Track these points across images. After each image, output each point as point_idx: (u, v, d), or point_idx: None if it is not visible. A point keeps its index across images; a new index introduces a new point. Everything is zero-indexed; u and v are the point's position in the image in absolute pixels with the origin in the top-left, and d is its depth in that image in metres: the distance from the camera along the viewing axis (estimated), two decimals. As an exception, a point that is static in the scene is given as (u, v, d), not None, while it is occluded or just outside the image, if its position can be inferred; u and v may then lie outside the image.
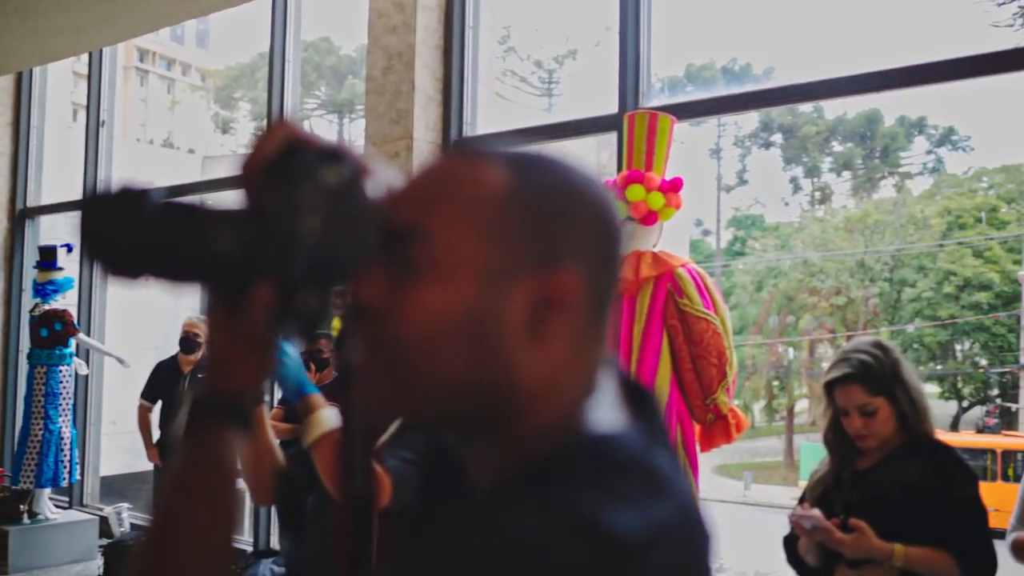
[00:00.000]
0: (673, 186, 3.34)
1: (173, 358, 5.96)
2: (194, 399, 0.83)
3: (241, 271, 0.77)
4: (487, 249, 0.70)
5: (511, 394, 0.72)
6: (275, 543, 5.62)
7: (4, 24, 5.63)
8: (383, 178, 0.81)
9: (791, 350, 28.22)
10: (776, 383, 27.77)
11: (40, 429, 6.10)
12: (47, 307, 6.13)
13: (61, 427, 6.13)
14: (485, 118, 4.88)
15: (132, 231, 0.74)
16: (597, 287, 0.73)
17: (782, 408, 27.93)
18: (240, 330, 0.80)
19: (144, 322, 14.11)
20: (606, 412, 0.74)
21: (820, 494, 2.46)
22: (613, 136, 4.15)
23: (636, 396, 0.80)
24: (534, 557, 0.60)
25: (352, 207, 0.74)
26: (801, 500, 2.50)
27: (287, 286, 0.77)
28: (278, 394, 3.47)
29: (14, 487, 6.23)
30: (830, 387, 2.43)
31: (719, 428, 3.22)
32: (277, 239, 0.74)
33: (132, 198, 0.75)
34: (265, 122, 5.65)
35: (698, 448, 3.28)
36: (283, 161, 0.77)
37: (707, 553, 0.72)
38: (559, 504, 0.63)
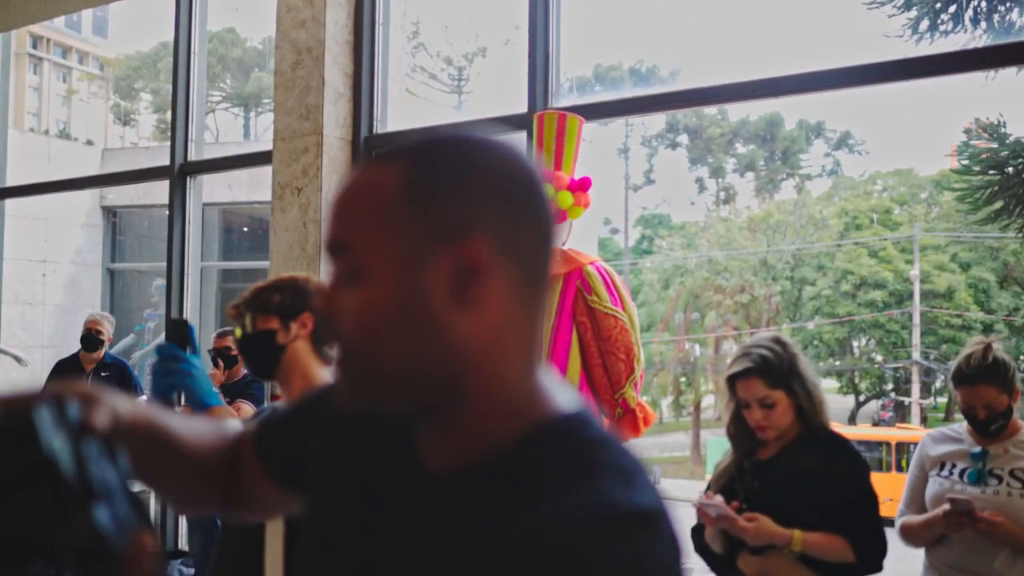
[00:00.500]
0: (582, 185, 3.39)
1: (75, 356, 5.77)
2: None
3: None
4: (396, 242, 0.77)
5: (456, 365, 0.78)
6: (184, 545, 5.50)
7: None
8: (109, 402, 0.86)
9: (697, 347, 28.81)
10: (683, 379, 28.32)
11: None
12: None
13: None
14: (395, 115, 4.86)
15: None
16: (515, 243, 0.78)
17: (689, 404, 28.48)
18: None
19: (41, 320, 13.60)
20: (553, 384, 0.82)
21: (724, 484, 2.55)
22: (523, 135, 4.18)
23: None
24: (602, 570, 0.66)
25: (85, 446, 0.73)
26: (706, 490, 2.58)
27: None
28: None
29: None
30: (732, 381, 2.51)
31: (627, 422, 3.29)
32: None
33: None
34: (170, 114, 5.49)
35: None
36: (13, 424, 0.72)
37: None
38: (585, 502, 0.70)
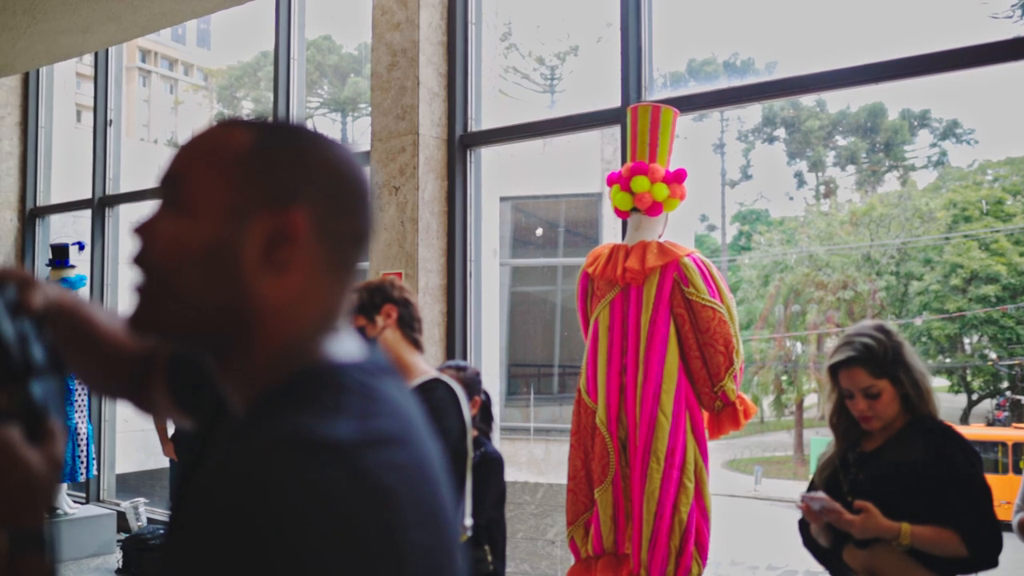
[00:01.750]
0: (677, 177, 3.37)
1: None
2: None
3: None
4: (227, 190, 0.85)
5: (248, 318, 0.86)
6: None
7: (13, 24, 5.67)
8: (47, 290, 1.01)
9: (799, 344, 28.18)
10: (784, 377, 27.73)
11: (84, 426, 6.18)
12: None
13: (77, 423, 6.18)
14: (489, 113, 4.91)
15: None
16: (331, 227, 0.87)
17: (791, 403, 27.88)
18: None
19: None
20: (344, 344, 0.89)
21: (828, 476, 2.50)
22: (617, 130, 4.17)
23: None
24: (263, 491, 0.70)
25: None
26: (811, 486, 2.53)
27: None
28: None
29: (69, 482, 6.30)
30: (834, 371, 2.46)
31: (727, 415, 3.25)
32: None
33: None
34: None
35: (707, 435, 3.31)
36: None
37: (435, 469, 0.82)
38: (278, 430, 0.75)
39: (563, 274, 14.60)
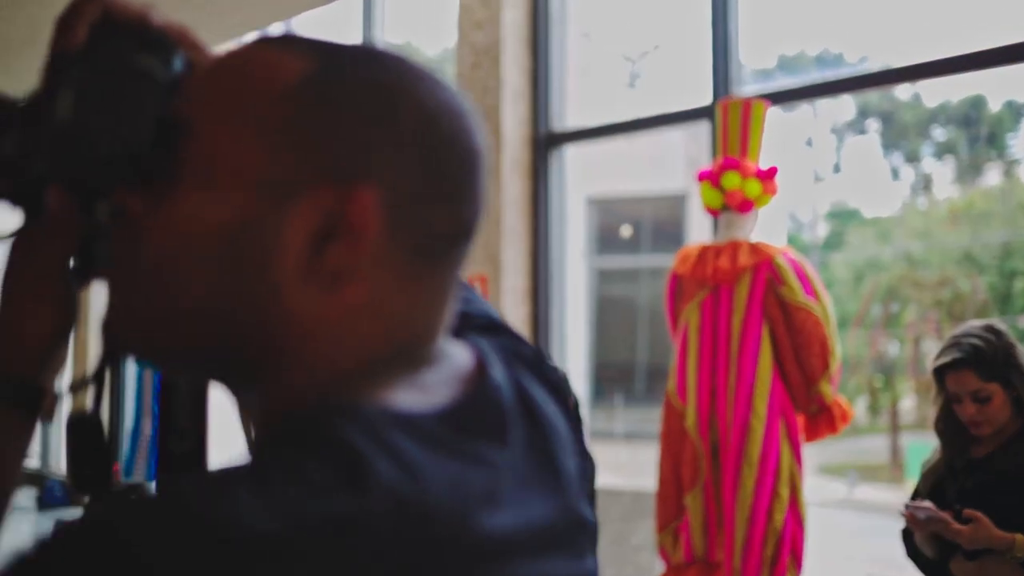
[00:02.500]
0: (769, 173, 3.30)
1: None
2: None
3: (28, 178, 0.63)
4: (265, 155, 0.57)
5: (271, 342, 0.58)
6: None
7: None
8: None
9: (894, 345, 27.38)
10: (879, 380, 26.96)
11: (149, 427, 6.35)
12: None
13: (143, 424, 6.36)
14: (574, 112, 4.86)
15: None
16: (416, 216, 0.58)
17: (886, 407, 27.10)
18: (33, 265, 0.66)
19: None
20: (403, 390, 0.58)
21: (933, 484, 2.38)
22: (702, 130, 4.09)
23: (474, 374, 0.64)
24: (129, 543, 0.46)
25: (133, 84, 0.60)
26: (915, 494, 2.42)
27: (84, 198, 0.64)
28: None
29: (128, 481, 6.49)
30: (941, 373, 2.34)
31: (823, 419, 3.15)
32: (62, 137, 0.60)
33: None
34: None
35: (802, 440, 3.21)
36: (91, 45, 0.62)
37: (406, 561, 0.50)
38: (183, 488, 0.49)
39: (647, 275, 14.44)
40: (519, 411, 0.63)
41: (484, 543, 0.54)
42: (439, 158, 0.59)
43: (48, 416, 0.69)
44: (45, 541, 0.48)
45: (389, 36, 6.04)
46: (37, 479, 8.00)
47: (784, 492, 3.13)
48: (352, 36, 5.94)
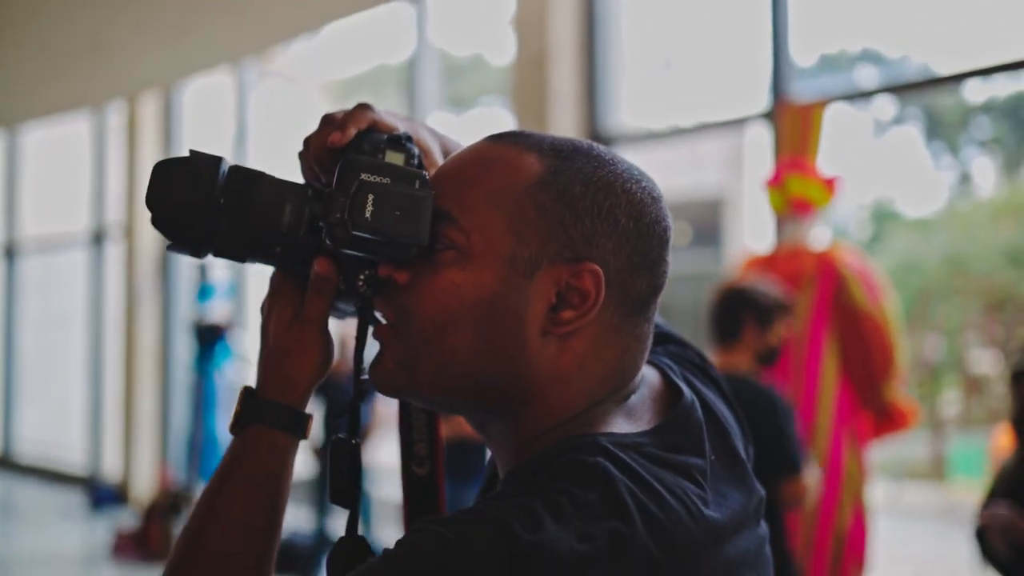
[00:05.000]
0: (831, 177, 3.30)
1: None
2: (244, 395, 0.80)
3: (304, 246, 0.77)
4: (513, 238, 0.72)
5: (523, 385, 0.73)
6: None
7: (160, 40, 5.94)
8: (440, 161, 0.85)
9: (937, 344, 26.94)
10: (928, 380, 26.54)
11: (201, 430, 6.45)
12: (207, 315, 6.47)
13: (220, 428, 6.45)
14: (628, 117, 4.87)
15: (200, 196, 0.75)
16: (625, 288, 0.73)
17: (928, 406, 26.70)
18: (300, 313, 0.80)
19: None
20: (619, 419, 0.74)
21: (1010, 485, 2.38)
22: (754, 134, 4.08)
23: (674, 401, 0.79)
24: (454, 557, 0.61)
25: (414, 191, 0.74)
26: (990, 495, 2.42)
27: (346, 264, 0.77)
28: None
29: (182, 485, 6.60)
30: (1019, 377, 2.35)
31: (891, 419, 3.15)
32: (341, 217, 0.73)
33: (202, 164, 0.76)
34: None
35: (867, 443, 3.21)
36: (355, 143, 0.78)
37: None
38: (500, 510, 0.63)
39: (683, 279, 14.33)
40: (705, 420, 0.77)
41: (706, 538, 0.68)
42: (643, 239, 0.74)
43: (305, 438, 0.82)
44: (382, 558, 0.64)
45: (443, 42, 6.08)
46: (88, 483, 8.14)
47: (849, 494, 3.12)
48: (405, 41, 5.99)
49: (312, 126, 0.82)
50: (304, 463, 5.96)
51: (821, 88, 4.45)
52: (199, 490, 6.46)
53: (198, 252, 0.78)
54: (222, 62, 6.44)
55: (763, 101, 4.06)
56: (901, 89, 4.35)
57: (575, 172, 0.73)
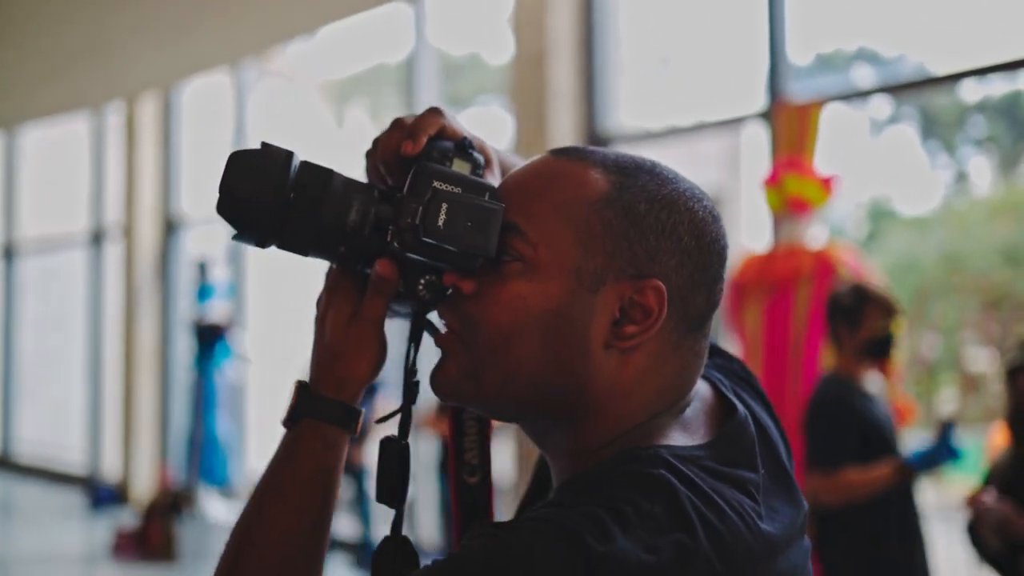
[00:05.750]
0: (828, 176, 3.32)
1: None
2: (299, 389, 0.82)
3: (367, 246, 0.79)
4: (580, 252, 0.73)
5: (585, 398, 0.75)
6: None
7: (156, 42, 5.95)
8: (507, 169, 0.87)
9: (934, 342, 26.97)
10: (925, 378, 26.55)
11: (201, 429, 6.46)
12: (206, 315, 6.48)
13: (220, 427, 6.46)
14: (625, 116, 4.89)
15: (271, 189, 0.76)
16: (685, 305, 0.75)
17: (925, 404, 26.73)
18: (358, 312, 0.81)
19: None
20: (676, 432, 0.76)
21: (1004, 479, 2.41)
22: (751, 133, 4.10)
23: (727, 415, 0.80)
24: (518, 563, 0.62)
25: (485, 203, 0.75)
26: (987, 481, 2.45)
27: (408, 268, 0.79)
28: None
29: (181, 485, 6.61)
30: (1013, 374, 2.38)
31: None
32: (412, 223, 0.75)
33: (275, 158, 0.77)
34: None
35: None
36: (426, 151, 0.79)
37: None
38: (569, 519, 0.64)
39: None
40: (756, 434, 0.79)
41: (763, 551, 0.69)
42: (703, 257, 0.76)
43: (356, 434, 0.84)
44: (446, 562, 0.66)
45: (440, 41, 6.10)
46: (88, 483, 8.14)
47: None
48: (404, 41, 6.00)
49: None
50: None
51: (818, 88, 4.47)
52: (199, 489, 6.49)
53: (263, 243, 0.79)
54: (221, 63, 6.46)
55: (760, 101, 4.09)
56: (897, 89, 4.37)
57: (639, 190, 0.76)
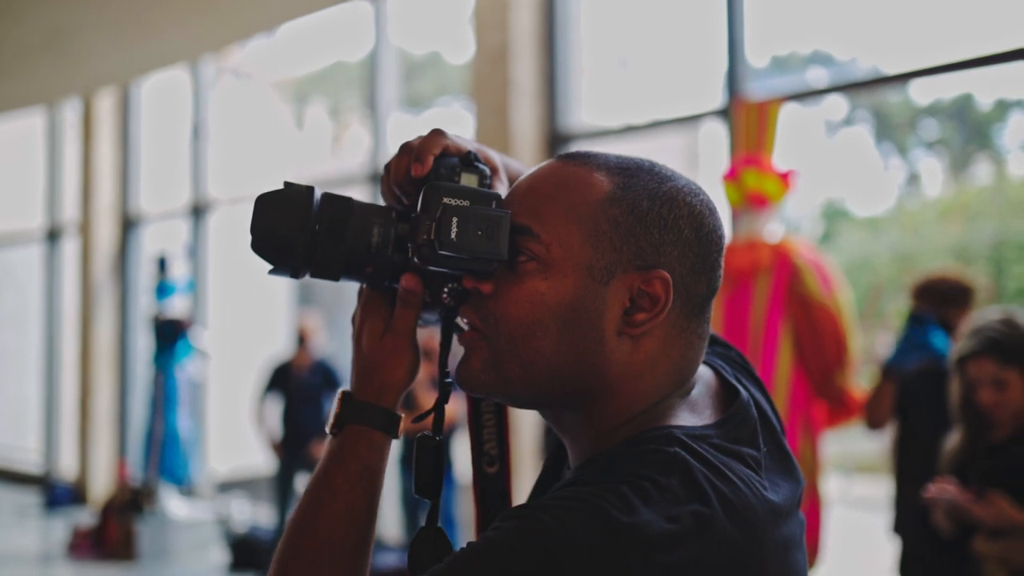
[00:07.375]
0: (786, 172, 3.38)
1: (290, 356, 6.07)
2: (343, 398, 0.90)
3: (392, 264, 0.87)
4: (590, 249, 0.80)
5: (599, 384, 0.81)
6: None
7: (118, 38, 5.90)
8: (511, 179, 0.95)
9: (889, 339, 27.35)
10: (879, 374, 26.88)
11: (162, 427, 6.40)
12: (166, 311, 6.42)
13: (181, 425, 6.41)
14: (586, 113, 4.94)
15: (297, 224, 0.83)
16: (688, 292, 0.82)
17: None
18: (390, 325, 0.89)
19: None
20: (684, 412, 0.83)
21: (954, 467, 2.48)
22: (709, 130, 4.17)
23: (730, 398, 0.88)
24: (556, 539, 0.68)
25: (492, 212, 0.82)
26: (939, 468, 2.53)
27: (431, 279, 0.86)
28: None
29: (140, 483, 6.55)
30: (961, 362, 2.44)
31: (843, 408, 3.24)
32: (428, 238, 0.82)
33: (298, 195, 0.84)
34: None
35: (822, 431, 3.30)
36: (434, 170, 0.86)
37: (749, 563, 0.74)
38: (593, 496, 0.71)
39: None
40: (756, 416, 0.86)
41: (769, 517, 0.77)
42: (703, 247, 0.83)
43: (397, 438, 0.91)
44: (483, 543, 0.71)
45: (401, 40, 6.11)
46: (44, 482, 8.04)
47: (803, 482, 3.21)
48: (364, 39, 6.00)
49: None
50: (268, 460, 5.96)
51: (774, 88, 4.56)
52: (159, 487, 6.43)
53: (296, 274, 0.86)
54: (180, 59, 6.41)
55: (719, 99, 4.16)
56: (850, 87, 4.48)
57: (641, 188, 0.82)
